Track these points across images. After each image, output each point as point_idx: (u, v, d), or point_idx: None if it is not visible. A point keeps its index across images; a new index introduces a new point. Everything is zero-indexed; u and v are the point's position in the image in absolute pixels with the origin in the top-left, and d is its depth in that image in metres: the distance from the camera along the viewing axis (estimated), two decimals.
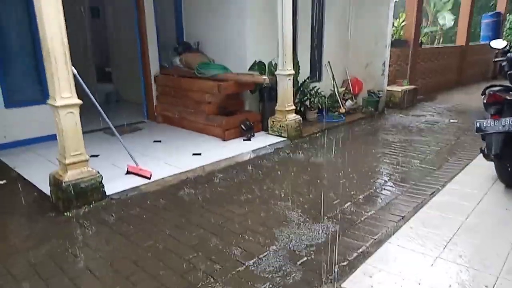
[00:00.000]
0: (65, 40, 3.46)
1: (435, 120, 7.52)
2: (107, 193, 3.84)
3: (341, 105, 7.72)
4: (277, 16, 5.68)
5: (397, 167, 4.81)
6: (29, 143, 5.45)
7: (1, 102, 5.24)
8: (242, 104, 6.57)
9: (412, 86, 9.07)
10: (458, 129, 6.75)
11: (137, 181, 4.22)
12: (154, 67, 6.86)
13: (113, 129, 4.43)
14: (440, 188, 4.03)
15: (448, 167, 4.73)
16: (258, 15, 6.28)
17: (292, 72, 5.97)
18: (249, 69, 6.32)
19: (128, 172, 4.42)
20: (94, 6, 9.75)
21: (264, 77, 5.87)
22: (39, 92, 5.53)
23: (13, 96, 5.36)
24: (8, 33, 5.25)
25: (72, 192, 3.55)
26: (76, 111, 3.63)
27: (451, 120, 7.46)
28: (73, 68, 3.65)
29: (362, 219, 3.38)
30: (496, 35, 12.36)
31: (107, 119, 4.33)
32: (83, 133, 3.70)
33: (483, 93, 3.89)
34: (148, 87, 6.95)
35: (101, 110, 4.25)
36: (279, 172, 4.67)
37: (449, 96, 10.33)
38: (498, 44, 4.21)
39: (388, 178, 4.44)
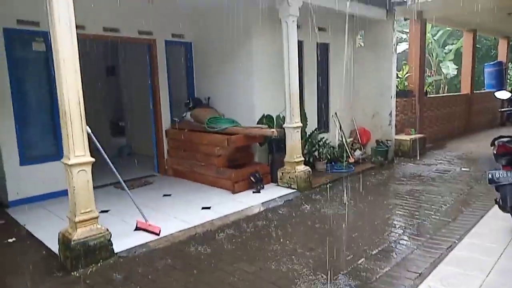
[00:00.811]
0: (81, 101, 3.62)
1: (446, 168, 7.45)
2: (116, 251, 3.79)
3: (350, 155, 7.73)
4: (283, 71, 5.91)
5: (411, 219, 4.70)
6: (40, 199, 5.50)
7: (17, 159, 5.37)
8: (251, 157, 6.63)
9: (420, 135, 9.10)
10: (470, 178, 6.65)
11: (146, 237, 4.17)
12: (165, 122, 7.06)
13: (123, 184, 4.48)
14: (456, 241, 3.90)
15: (464, 219, 4.61)
16: (266, 70, 6.54)
17: (300, 124, 6.08)
18: (258, 122, 6.45)
19: (137, 228, 4.39)
20: (110, 65, 10.29)
21: (273, 130, 5.98)
22: (53, 148, 5.68)
23: (29, 153, 5.51)
24: (29, 92, 5.52)
25: (81, 251, 3.52)
26: (88, 169, 3.70)
27: (463, 169, 7.38)
28: (87, 127, 3.78)
29: (378, 276, 3.26)
30: (500, 84, 12.56)
31: (117, 174, 4.40)
32: (94, 188, 3.74)
33: (492, 144, 3.88)
34: (159, 141, 7.10)
35: (112, 166, 4.33)
36: (289, 226, 4.59)
37: (458, 144, 10.29)
38: (503, 95, 4.29)
39: (402, 231, 4.32)
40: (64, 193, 3.80)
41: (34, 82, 5.58)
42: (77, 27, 3.56)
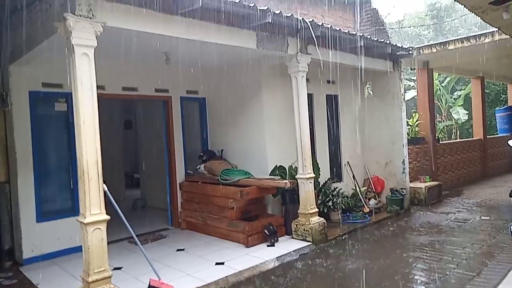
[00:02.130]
0: (99, 161, 3.74)
1: (465, 217, 7.23)
2: None
3: (364, 205, 7.61)
4: (294, 122, 6.03)
5: (432, 273, 4.51)
6: (55, 256, 5.50)
7: (34, 216, 5.44)
8: (264, 208, 6.59)
9: (436, 182, 8.96)
10: (491, 227, 6.42)
11: None
12: (180, 175, 7.15)
13: (136, 239, 4.47)
14: None
15: (489, 273, 4.41)
16: (277, 122, 6.69)
17: (313, 175, 6.09)
18: (270, 174, 6.49)
19: (150, 287, 4.31)
20: (127, 119, 10.69)
21: (285, 181, 5.98)
22: (69, 204, 5.77)
23: (46, 210, 5.58)
24: (49, 150, 5.71)
25: None
26: (104, 227, 3.73)
27: (483, 217, 7.15)
28: (104, 185, 3.86)
29: None
30: None
31: (131, 230, 4.41)
32: (108, 243, 3.75)
33: (511, 195, 3.81)
34: (173, 194, 7.15)
35: (126, 222, 4.35)
36: (305, 283, 4.44)
37: (476, 190, 10.06)
38: None
39: (424, 287, 4.14)
40: (79, 249, 3.81)
41: (55, 140, 5.79)
42: (97, 87, 3.78)
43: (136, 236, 4.76)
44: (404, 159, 8.07)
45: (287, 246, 5.73)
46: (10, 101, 5.27)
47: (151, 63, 6.33)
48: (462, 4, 5.01)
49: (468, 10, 5.24)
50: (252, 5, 4.60)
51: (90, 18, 3.64)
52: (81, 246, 3.69)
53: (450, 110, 15.78)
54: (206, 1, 4.09)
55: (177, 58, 5.95)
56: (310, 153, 6.14)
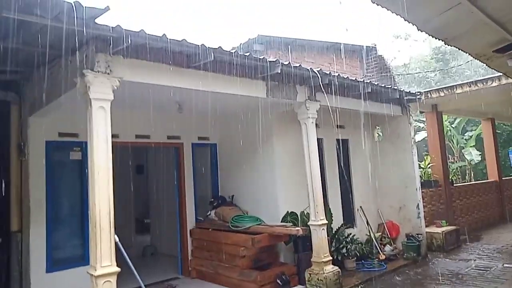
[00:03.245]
0: (112, 211, 3.75)
1: (486, 265, 6.92)
2: None
3: (380, 251, 7.37)
4: (305, 168, 6.02)
5: None
6: None
7: (44, 266, 5.38)
8: (276, 256, 6.43)
9: (453, 227, 8.69)
10: None
11: None
12: (190, 221, 7.09)
13: None
14: None
15: None
16: (288, 167, 6.69)
17: (325, 221, 5.98)
18: (282, 220, 6.39)
19: None
20: (138, 164, 10.79)
21: (297, 228, 5.88)
22: (80, 254, 5.71)
23: (56, 259, 5.53)
24: (62, 199, 5.76)
25: None
26: (114, 280, 3.67)
27: (506, 265, 6.83)
28: (115, 236, 3.85)
29: None
30: None
31: (140, 282, 4.33)
32: None
33: None
34: (183, 241, 7.05)
35: (136, 273, 4.29)
36: None
37: (495, 234, 9.69)
38: None
39: None
40: None
41: (68, 188, 5.86)
42: (112, 136, 3.88)
43: (145, 286, 4.67)
44: (418, 203, 7.90)
45: None
46: (27, 151, 5.40)
47: (164, 111, 6.50)
48: (466, 52, 5.13)
49: (473, 57, 5.36)
50: (261, 57, 4.78)
51: (108, 73, 3.82)
52: None
53: (462, 151, 15.62)
54: (218, 55, 4.27)
55: (189, 106, 6.12)
56: (322, 198, 6.07)
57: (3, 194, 5.42)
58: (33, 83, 4.97)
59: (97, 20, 3.37)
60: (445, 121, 13.90)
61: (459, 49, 5.05)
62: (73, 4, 3.03)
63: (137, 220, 10.61)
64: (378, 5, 3.52)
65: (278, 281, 5.71)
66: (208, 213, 7.10)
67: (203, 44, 4.17)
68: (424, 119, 13.16)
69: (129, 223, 9.82)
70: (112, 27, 3.50)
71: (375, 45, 11.19)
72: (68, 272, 5.53)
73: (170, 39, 3.90)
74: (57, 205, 5.67)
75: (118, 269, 3.70)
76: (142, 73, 4.11)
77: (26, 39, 3.65)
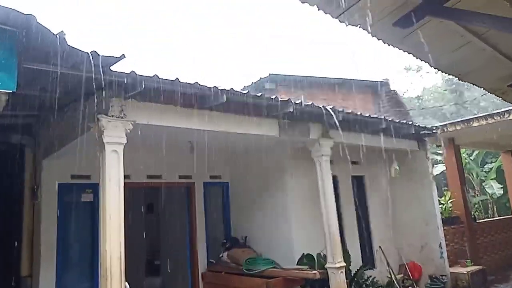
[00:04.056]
0: (123, 257, 3.65)
1: None
2: None
3: None
4: (320, 206, 5.84)
5: None
6: None
7: None
8: None
9: (478, 266, 8.23)
10: None
11: None
12: (202, 264, 6.88)
13: None
14: None
15: None
16: (302, 206, 6.51)
17: (343, 264, 5.72)
18: (298, 263, 6.13)
19: None
20: (149, 203, 10.70)
21: (314, 271, 5.64)
22: None
23: None
24: (72, 241, 5.68)
25: None
26: None
27: None
28: (126, 283, 3.72)
29: None
30: None
31: None
32: None
33: None
34: (195, 285, 6.81)
35: None
36: None
37: None
38: None
39: None
40: None
41: (79, 231, 5.79)
42: (123, 176, 3.83)
43: None
44: (441, 242, 7.54)
45: None
46: (40, 194, 5.41)
47: (176, 151, 6.47)
48: (480, 87, 5.05)
49: (487, 91, 5.27)
50: (273, 97, 4.79)
51: (122, 117, 3.85)
52: None
53: (483, 184, 15.12)
54: (230, 96, 4.29)
55: (200, 145, 6.10)
56: (339, 239, 5.83)
57: (15, 239, 5.38)
58: (47, 126, 5.05)
59: (113, 67, 3.44)
60: (463, 153, 13.58)
61: (473, 84, 4.99)
62: (89, 54, 3.10)
63: (147, 260, 10.38)
64: (389, 45, 3.52)
65: None
66: (221, 255, 6.89)
67: (215, 86, 4.20)
68: (441, 152, 12.90)
69: (139, 265, 9.59)
70: (126, 73, 3.56)
71: (388, 80, 11.21)
72: None
73: (182, 82, 3.94)
74: (67, 248, 5.59)
75: None
76: (155, 115, 4.14)
77: (43, 85, 3.73)
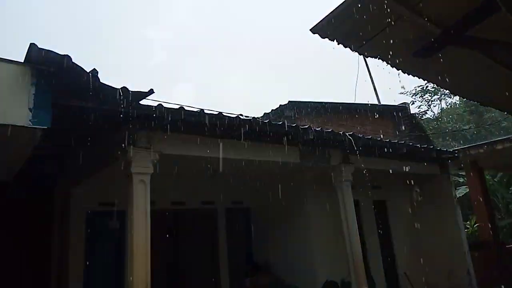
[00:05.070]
0: (149, 285, 3.71)
1: None
2: None
3: None
4: (343, 232, 5.78)
5: None
6: None
7: None
8: None
9: None
10: None
11: None
12: None
13: None
14: None
15: None
16: (324, 232, 6.47)
17: None
18: None
19: None
20: (169, 226, 10.75)
21: None
22: None
23: None
24: (98, 267, 5.76)
25: None
26: None
27: None
28: None
29: None
30: None
31: None
32: None
33: None
34: None
35: None
36: None
37: None
38: None
39: None
40: None
41: (105, 258, 5.89)
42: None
43: None
44: (469, 269, 7.30)
45: None
46: (69, 221, 5.57)
47: (199, 178, 6.61)
48: (503, 111, 5.02)
49: (509, 114, 5.23)
50: (294, 125, 4.88)
51: (148, 148, 4.00)
52: None
53: (510, 206, 14.61)
54: (252, 125, 4.40)
55: (223, 172, 6.18)
56: (363, 265, 5.74)
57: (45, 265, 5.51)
58: (78, 156, 5.25)
59: (141, 101, 3.61)
60: (487, 175, 13.21)
61: (494, 108, 4.97)
62: (120, 90, 3.28)
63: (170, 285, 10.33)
64: (409, 74, 3.58)
65: None
66: (243, 282, 6.85)
67: (237, 116, 4.33)
68: (463, 173, 12.58)
69: None
70: (154, 106, 3.73)
71: (406, 104, 11.20)
72: None
73: (206, 113, 4.09)
74: (94, 274, 5.67)
75: None
76: (180, 146, 4.28)
77: (75, 119, 3.92)
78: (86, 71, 3.32)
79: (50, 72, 3.28)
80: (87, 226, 5.68)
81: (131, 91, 3.37)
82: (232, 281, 7.02)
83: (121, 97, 3.33)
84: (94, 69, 3.40)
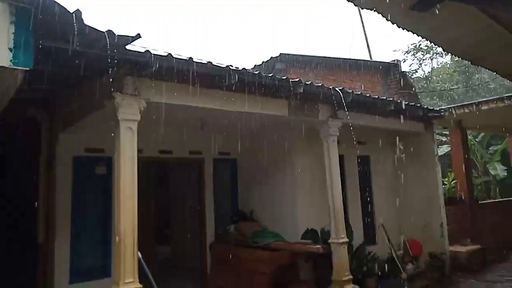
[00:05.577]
0: (136, 228, 3.83)
1: None
2: None
3: (402, 270, 7.20)
4: (326, 185, 5.98)
5: None
6: None
7: (67, 277, 5.50)
8: (296, 274, 6.37)
9: (478, 246, 8.43)
10: None
11: None
12: (210, 235, 7.13)
13: None
14: None
15: None
16: (308, 183, 6.67)
17: (346, 240, 5.92)
18: (302, 237, 6.35)
19: None
20: (160, 175, 10.93)
21: (318, 246, 5.84)
22: (102, 266, 5.81)
23: (79, 271, 5.64)
24: (86, 212, 5.89)
25: None
26: None
27: None
28: (139, 253, 3.92)
29: None
30: None
31: None
32: None
33: None
34: (203, 256, 7.09)
35: None
36: None
37: None
38: None
39: None
40: None
41: (92, 203, 6.01)
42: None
43: None
44: (442, 222, 7.72)
45: None
46: (55, 166, 5.58)
47: (187, 128, 6.62)
48: (493, 72, 5.04)
49: (500, 76, 5.26)
50: (284, 77, 4.82)
51: (136, 95, 3.94)
52: None
53: (487, 165, 15.17)
54: (242, 76, 4.33)
55: (211, 123, 6.20)
56: (343, 217, 6.01)
57: (31, 208, 5.59)
58: (63, 101, 5.15)
59: (128, 46, 3.49)
60: (469, 135, 13.56)
61: (486, 68, 4.97)
62: (106, 33, 3.15)
63: (157, 229, 10.72)
64: (403, 29, 3.51)
65: None
66: (228, 228, 7.12)
67: (227, 66, 4.25)
68: (446, 133, 12.88)
69: (149, 233, 9.91)
70: (141, 52, 3.61)
71: (398, 61, 11.10)
72: (90, 284, 5.63)
73: (195, 62, 3.99)
74: (81, 218, 5.80)
75: (141, 286, 3.77)
76: (168, 94, 4.21)
77: (60, 62, 3.80)
78: (69, 11, 3.15)
79: (30, 10, 3.10)
80: (74, 171, 5.71)
81: (117, 35, 3.25)
82: (218, 227, 7.29)
83: (107, 41, 3.21)
84: (78, 9, 3.22)
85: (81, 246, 5.76)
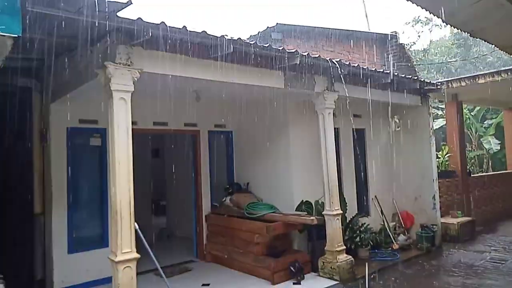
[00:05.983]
0: (132, 200, 3.85)
1: (502, 257, 6.88)
2: None
3: (393, 241, 7.39)
4: (321, 157, 6.01)
5: None
6: (85, 287, 5.60)
7: (65, 248, 5.60)
8: (290, 244, 6.52)
9: (468, 218, 8.63)
10: None
11: None
12: (205, 206, 7.21)
13: (162, 274, 4.60)
14: None
15: None
16: (303, 156, 6.69)
17: (340, 211, 6.01)
18: (296, 209, 6.44)
19: None
20: (155, 148, 10.94)
21: (312, 217, 5.93)
22: (99, 236, 5.91)
23: (77, 241, 5.73)
24: (82, 183, 5.92)
25: None
26: (134, 265, 3.80)
27: None
28: (135, 223, 3.96)
29: None
30: None
31: (158, 265, 4.51)
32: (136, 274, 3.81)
33: None
34: (199, 226, 7.20)
35: (154, 258, 4.44)
36: None
37: None
38: None
39: None
40: (106, 280, 3.98)
41: (88, 173, 6.02)
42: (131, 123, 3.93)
43: (162, 268, 4.87)
44: (434, 194, 7.84)
45: (313, 284, 5.63)
46: (49, 137, 5.54)
47: (182, 100, 6.52)
48: (492, 44, 4.97)
49: (498, 48, 5.19)
50: (280, 48, 4.73)
51: (129, 65, 3.85)
52: (108, 277, 3.84)
53: (481, 139, 15.28)
54: (237, 46, 4.24)
55: (206, 95, 6.13)
56: (337, 189, 6.08)
57: (27, 179, 5.59)
58: (55, 71, 5.03)
59: (119, 13, 3.38)
60: (464, 108, 13.56)
61: (484, 40, 4.90)
62: (95, 0, 3.04)
63: (153, 201, 10.84)
64: None
65: (292, 268, 5.81)
66: (224, 199, 7.20)
67: (222, 36, 4.15)
68: (442, 106, 12.87)
69: (146, 205, 10.02)
70: (133, 20, 3.50)
71: (396, 33, 10.91)
72: (88, 253, 5.75)
73: (190, 30, 3.89)
74: (77, 189, 5.85)
75: (138, 256, 3.83)
76: (162, 64, 4.12)
77: (50, 30, 3.68)
78: None
79: None
80: (68, 142, 5.68)
81: (108, 1, 3.13)
82: (213, 199, 7.36)
83: (97, 7, 3.10)
84: None
85: (78, 217, 5.82)
